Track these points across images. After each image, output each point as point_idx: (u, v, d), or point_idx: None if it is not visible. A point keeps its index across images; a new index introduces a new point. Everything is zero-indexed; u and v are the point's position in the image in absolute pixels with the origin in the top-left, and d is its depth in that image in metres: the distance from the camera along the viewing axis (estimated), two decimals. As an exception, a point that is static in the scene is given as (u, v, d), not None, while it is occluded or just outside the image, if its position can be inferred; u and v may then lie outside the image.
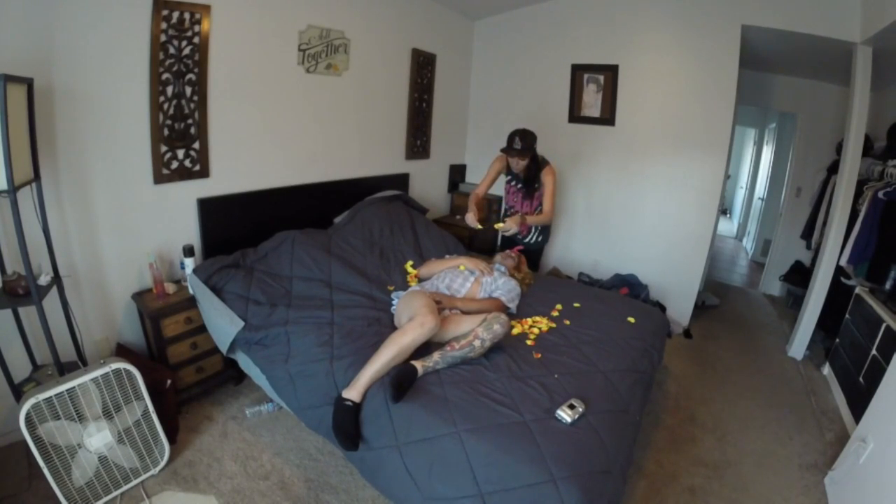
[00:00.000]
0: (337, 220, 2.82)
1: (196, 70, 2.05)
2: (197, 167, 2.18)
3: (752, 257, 5.54)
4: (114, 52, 1.81)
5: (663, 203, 3.33)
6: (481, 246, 3.56)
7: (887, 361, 1.88)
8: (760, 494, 1.87)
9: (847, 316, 2.66)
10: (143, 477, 1.69)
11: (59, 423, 1.45)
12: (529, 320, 2.10)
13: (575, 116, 3.53)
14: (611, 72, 3.29)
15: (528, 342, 1.92)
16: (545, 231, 2.83)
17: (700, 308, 3.65)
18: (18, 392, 1.67)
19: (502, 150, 2.54)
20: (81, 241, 1.89)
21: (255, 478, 1.76)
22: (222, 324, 1.90)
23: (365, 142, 3.13)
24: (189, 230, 2.24)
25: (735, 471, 2.00)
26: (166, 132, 2.02)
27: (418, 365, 1.59)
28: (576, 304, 2.32)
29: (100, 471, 1.55)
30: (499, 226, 2.44)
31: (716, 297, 4.02)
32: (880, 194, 2.61)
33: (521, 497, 1.24)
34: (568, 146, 3.61)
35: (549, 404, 1.51)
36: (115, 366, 1.56)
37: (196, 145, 2.14)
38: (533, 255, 2.83)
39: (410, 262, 2.60)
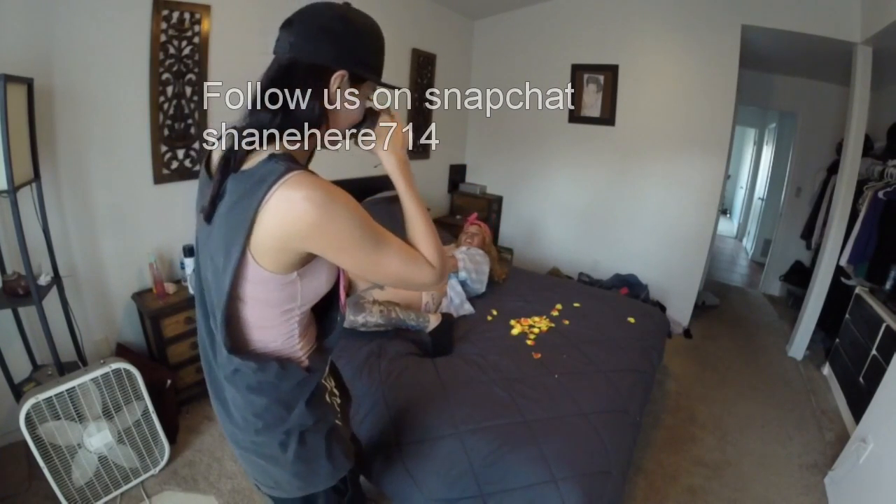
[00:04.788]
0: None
1: (196, 70, 2.05)
2: (197, 167, 2.18)
3: (752, 257, 5.53)
4: (114, 53, 1.81)
5: (663, 203, 3.33)
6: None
7: (887, 361, 1.88)
8: (760, 494, 1.87)
9: (847, 316, 2.66)
10: (143, 477, 1.69)
11: (59, 423, 1.45)
12: (529, 320, 2.10)
13: (575, 116, 3.52)
14: (611, 72, 3.29)
15: (528, 342, 1.92)
16: None
17: (700, 308, 3.65)
18: (18, 392, 1.67)
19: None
20: (81, 241, 1.89)
21: (255, 478, 1.76)
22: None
23: (365, 142, 3.12)
24: (189, 230, 2.22)
25: (735, 471, 2.00)
26: (166, 132, 2.02)
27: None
28: (576, 304, 2.32)
29: (100, 471, 1.55)
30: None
31: (716, 297, 4.02)
32: (880, 194, 2.61)
33: (522, 497, 1.25)
34: (568, 146, 3.61)
35: (550, 404, 1.51)
36: (115, 366, 1.56)
37: (196, 145, 2.14)
38: None
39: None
